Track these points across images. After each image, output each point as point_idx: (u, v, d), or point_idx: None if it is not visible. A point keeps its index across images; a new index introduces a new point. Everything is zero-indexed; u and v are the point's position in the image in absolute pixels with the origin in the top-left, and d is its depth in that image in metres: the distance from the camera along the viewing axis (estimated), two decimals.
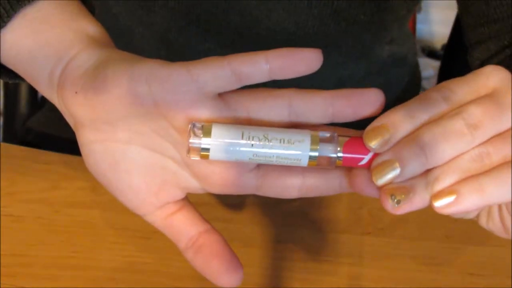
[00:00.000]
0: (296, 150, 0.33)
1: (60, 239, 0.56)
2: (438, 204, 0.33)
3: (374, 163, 0.34)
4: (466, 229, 0.57)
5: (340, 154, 0.34)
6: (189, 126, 0.34)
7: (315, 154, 0.33)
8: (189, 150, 0.34)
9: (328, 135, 0.34)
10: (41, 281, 0.53)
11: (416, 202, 0.33)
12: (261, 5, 0.57)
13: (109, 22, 0.68)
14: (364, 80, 0.69)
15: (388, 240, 0.57)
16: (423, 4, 1.71)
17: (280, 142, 0.33)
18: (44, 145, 0.66)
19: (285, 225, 0.58)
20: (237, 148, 0.33)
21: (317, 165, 0.33)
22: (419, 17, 1.69)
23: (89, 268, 0.54)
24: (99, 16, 0.70)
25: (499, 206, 0.38)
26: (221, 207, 0.59)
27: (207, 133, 0.33)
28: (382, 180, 0.33)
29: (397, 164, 0.33)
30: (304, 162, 0.33)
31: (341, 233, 0.57)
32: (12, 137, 0.87)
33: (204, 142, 0.34)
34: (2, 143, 0.66)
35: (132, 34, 0.66)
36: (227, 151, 0.33)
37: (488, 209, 0.38)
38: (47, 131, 0.58)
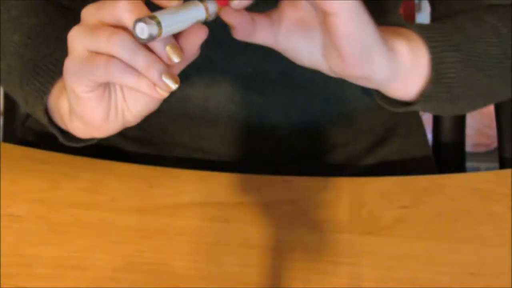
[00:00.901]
0: (197, 11, 0.47)
1: (60, 239, 0.56)
2: None
3: None
4: (466, 229, 0.57)
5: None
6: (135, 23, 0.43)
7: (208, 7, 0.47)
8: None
9: None
10: (41, 281, 0.53)
11: None
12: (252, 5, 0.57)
13: None
14: None
15: (388, 240, 0.57)
16: (423, 4, 1.71)
17: (188, 9, 0.46)
18: (44, 144, 0.66)
19: (285, 225, 0.58)
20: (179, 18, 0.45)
21: (209, 16, 0.47)
22: (419, 17, 1.69)
23: (89, 268, 0.54)
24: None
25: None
26: (221, 207, 0.59)
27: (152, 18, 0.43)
28: None
29: None
30: (203, 16, 0.47)
31: (341, 233, 0.57)
32: (12, 137, 0.87)
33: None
34: (2, 143, 0.66)
35: None
36: (175, 22, 0.45)
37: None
38: (47, 131, 0.58)
